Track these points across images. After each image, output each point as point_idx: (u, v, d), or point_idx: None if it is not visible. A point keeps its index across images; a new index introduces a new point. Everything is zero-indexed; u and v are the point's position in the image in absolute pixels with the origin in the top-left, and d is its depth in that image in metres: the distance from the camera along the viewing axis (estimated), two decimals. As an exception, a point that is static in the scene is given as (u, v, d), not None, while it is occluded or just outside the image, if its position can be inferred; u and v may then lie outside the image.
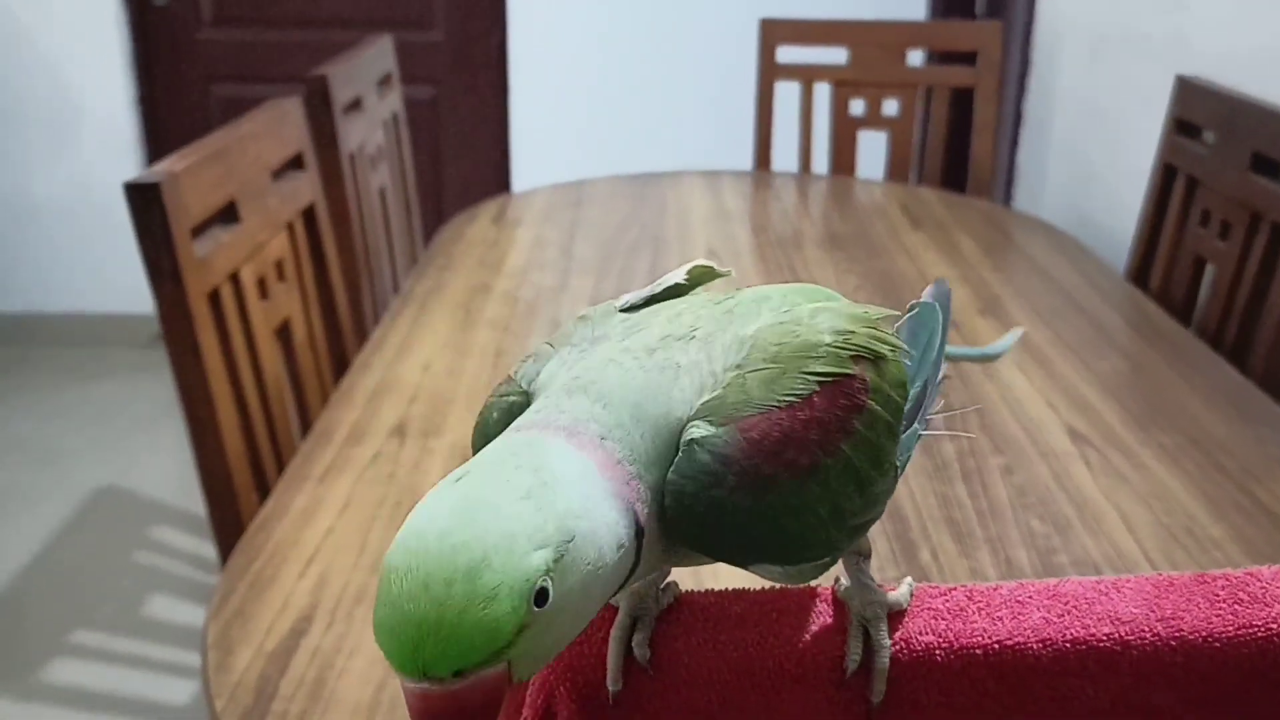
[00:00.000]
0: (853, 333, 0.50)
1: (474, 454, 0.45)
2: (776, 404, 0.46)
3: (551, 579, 0.39)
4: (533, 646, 0.40)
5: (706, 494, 0.44)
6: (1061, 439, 1.14)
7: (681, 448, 0.45)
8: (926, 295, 0.61)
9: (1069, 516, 1.00)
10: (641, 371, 0.47)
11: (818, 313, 0.51)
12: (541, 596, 0.39)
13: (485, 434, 0.49)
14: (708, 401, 0.46)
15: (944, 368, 0.60)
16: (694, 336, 0.49)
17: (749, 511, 0.44)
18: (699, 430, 0.45)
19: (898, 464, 0.51)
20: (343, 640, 0.84)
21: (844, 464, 0.47)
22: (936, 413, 0.59)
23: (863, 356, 0.49)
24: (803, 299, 0.53)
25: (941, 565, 0.93)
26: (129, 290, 3.07)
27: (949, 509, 1.01)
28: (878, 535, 0.97)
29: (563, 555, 0.39)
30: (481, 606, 0.37)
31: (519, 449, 0.42)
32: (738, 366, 0.47)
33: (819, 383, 0.47)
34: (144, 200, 1.08)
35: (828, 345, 0.48)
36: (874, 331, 0.51)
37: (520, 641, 0.39)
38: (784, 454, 0.45)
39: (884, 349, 0.50)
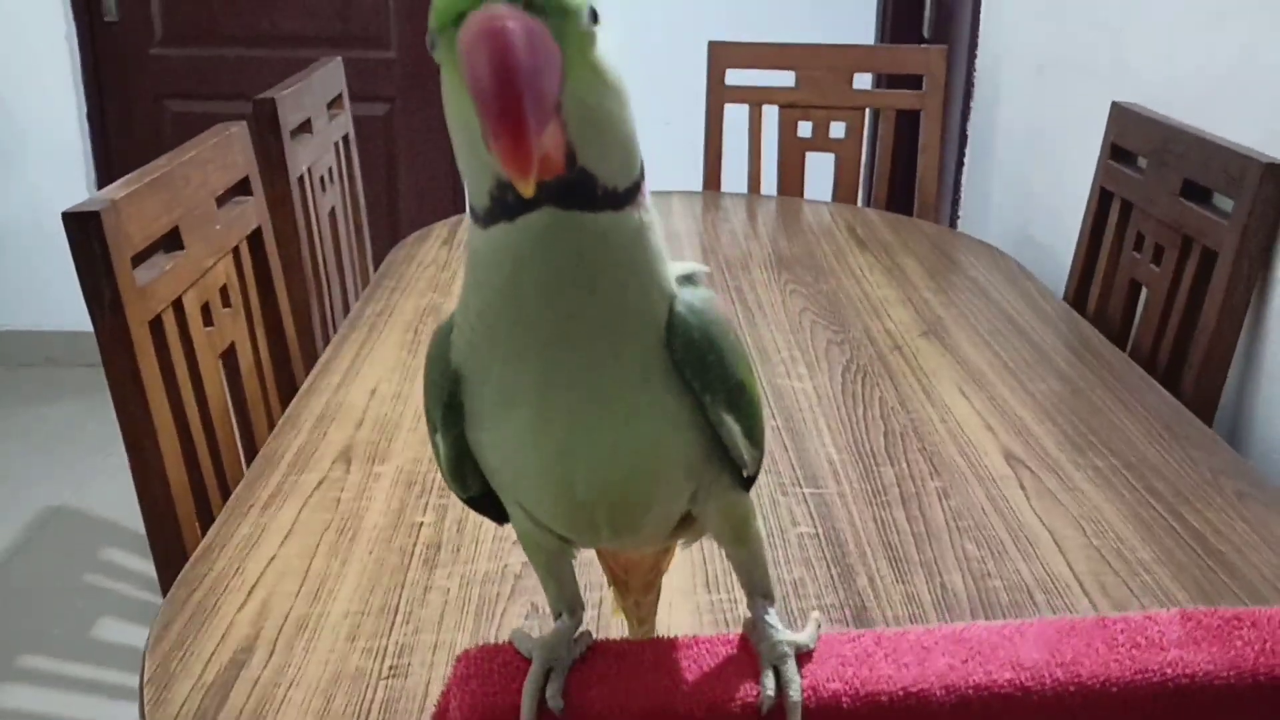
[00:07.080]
0: None
1: None
2: None
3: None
4: (586, 88, 0.46)
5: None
6: (998, 462, 1.16)
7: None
8: None
9: (1003, 540, 1.02)
10: None
11: None
12: (594, 16, 0.45)
13: None
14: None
15: None
16: None
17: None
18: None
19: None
20: (282, 672, 0.84)
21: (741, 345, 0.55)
22: None
23: None
24: None
25: (878, 590, 0.95)
26: (80, 309, 3.04)
27: (886, 533, 1.03)
28: (816, 560, 0.98)
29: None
30: None
31: None
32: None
33: None
34: (83, 229, 1.08)
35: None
36: None
37: (579, 63, 0.44)
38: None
39: None
